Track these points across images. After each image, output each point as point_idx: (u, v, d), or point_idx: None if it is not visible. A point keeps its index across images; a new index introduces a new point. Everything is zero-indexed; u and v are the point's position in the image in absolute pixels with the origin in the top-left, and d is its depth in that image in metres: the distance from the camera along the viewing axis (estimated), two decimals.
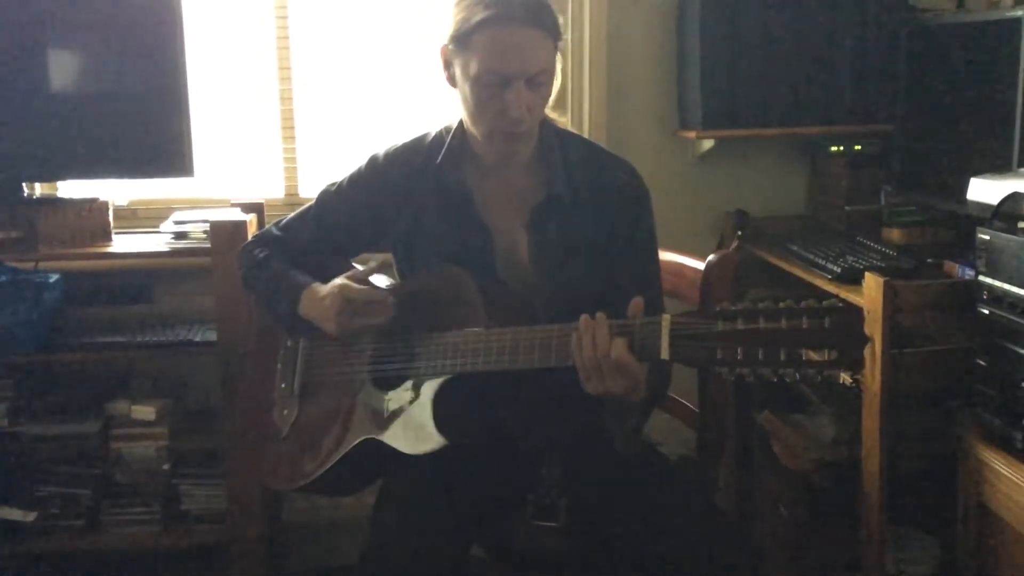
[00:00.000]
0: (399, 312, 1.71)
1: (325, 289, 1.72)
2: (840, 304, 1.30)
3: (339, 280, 1.70)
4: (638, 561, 1.64)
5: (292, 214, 1.90)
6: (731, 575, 1.57)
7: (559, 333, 1.50)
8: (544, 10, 1.60)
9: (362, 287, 1.69)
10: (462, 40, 1.60)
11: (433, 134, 1.78)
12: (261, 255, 1.86)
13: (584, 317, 1.46)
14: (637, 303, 1.45)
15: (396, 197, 1.77)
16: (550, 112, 1.78)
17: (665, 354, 1.39)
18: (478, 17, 1.57)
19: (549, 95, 1.66)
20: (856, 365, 1.28)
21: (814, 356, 1.30)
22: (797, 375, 1.29)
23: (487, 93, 1.60)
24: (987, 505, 1.91)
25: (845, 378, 2.09)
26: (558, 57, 1.67)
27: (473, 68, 1.59)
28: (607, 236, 1.72)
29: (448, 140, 1.74)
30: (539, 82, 1.60)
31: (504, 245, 1.73)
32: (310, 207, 1.87)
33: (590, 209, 1.72)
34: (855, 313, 1.30)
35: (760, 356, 1.30)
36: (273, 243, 1.88)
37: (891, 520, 2.13)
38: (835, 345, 1.28)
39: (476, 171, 1.74)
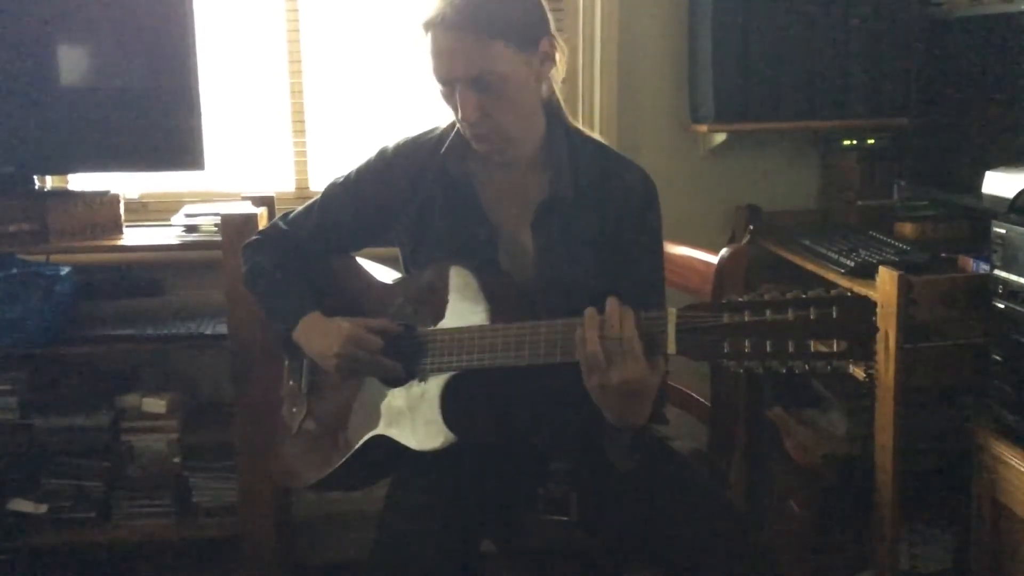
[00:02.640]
0: (405, 309, 1.71)
1: (331, 326, 1.69)
2: (848, 293, 1.28)
3: (347, 325, 1.67)
4: (649, 555, 1.63)
5: (299, 208, 1.88)
6: (742, 570, 1.56)
7: (564, 328, 1.49)
8: (482, 10, 1.55)
9: (373, 338, 1.66)
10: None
11: (442, 127, 1.77)
12: (263, 262, 1.83)
13: (592, 309, 1.45)
14: (611, 299, 1.42)
15: (404, 190, 1.76)
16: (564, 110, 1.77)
17: (672, 348, 1.37)
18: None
19: (516, 96, 1.60)
20: (866, 355, 1.27)
21: (823, 347, 1.28)
22: (806, 366, 1.27)
23: (442, 96, 1.62)
24: (1001, 501, 1.89)
25: (858, 372, 2.07)
26: (554, 53, 1.63)
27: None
28: (611, 237, 1.70)
29: (453, 132, 1.73)
30: (486, 83, 1.56)
31: (509, 241, 1.71)
32: (317, 200, 1.86)
33: (595, 210, 1.70)
34: (863, 302, 1.28)
35: (768, 348, 1.29)
36: (278, 241, 1.86)
37: (904, 515, 2.11)
38: (844, 335, 1.26)
39: (481, 166, 1.73)
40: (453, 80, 1.57)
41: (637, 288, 1.67)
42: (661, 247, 1.75)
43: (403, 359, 1.66)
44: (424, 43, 1.59)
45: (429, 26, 1.57)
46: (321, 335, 1.70)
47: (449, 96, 1.61)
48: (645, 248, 1.72)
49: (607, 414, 1.48)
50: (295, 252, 1.84)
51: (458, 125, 1.65)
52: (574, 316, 1.47)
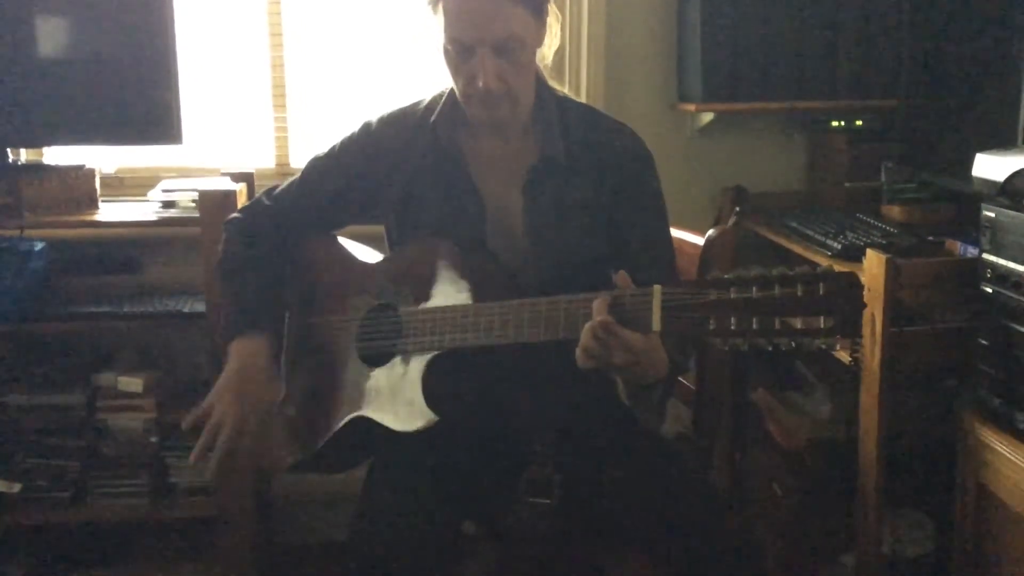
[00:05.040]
0: (387, 288, 1.68)
1: (254, 370, 1.69)
2: (835, 270, 1.26)
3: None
4: (631, 538, 1.61)
5: (284, 183, 1.85)
6: (724, 553, 1.55)
7: (548, 307, 1.46)
8: None
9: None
10: (433, 7, 1.59)
11: (428, 99, 1.75)
12: (239, 252, 1.78)
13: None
14: (623, 276, 1.41)
15: (389, 163, 1.73)
16: (552, 82, 1.75)
17: (657, 326, 1.35)
18: None
19: (528, 61, 1.62)
20: (853, 331, 1.24)
21: (810, 324, 1.26)
22: (792, 343, 1.25)
23: (455, 60, 1.59)
24: (986, 486, 1.89)
25: (843, 355, 2.06)
26: (550, 20, 1.64)
27: (441, 36, 1.58)
28: (608, 200, 1.68)
29: (442, 102, 1.71)
30: (509, 48, 1.56)
31: (497, 211, 1.69)
32: (300, 176, 1.83)
33: (588, 172, 1.68)
34: (850, 278, 1.26)
35: (754, 325, 1.26)
36: (261, 218, 1.82)
37: (887, 499, 2.10)
38: (831, 311, 1.23)
39: (470, 135, 1.71)
40: (476, 44, 1.55)
41: (644, 248, 1.66)
42: (663, 204, 1.73)
43: (384, 338, 1.62)
44: (440, 7, 1.56)
45: None
46: (241, 367, 1.69)
47: (463, 62, 1.57)
48: (647, 207, 1.71)
49: (628, 384, 1.48)
50: (276, 231, 1.81)
51: (464, 91, 1.61)
52: (562, 285, 1.46)
